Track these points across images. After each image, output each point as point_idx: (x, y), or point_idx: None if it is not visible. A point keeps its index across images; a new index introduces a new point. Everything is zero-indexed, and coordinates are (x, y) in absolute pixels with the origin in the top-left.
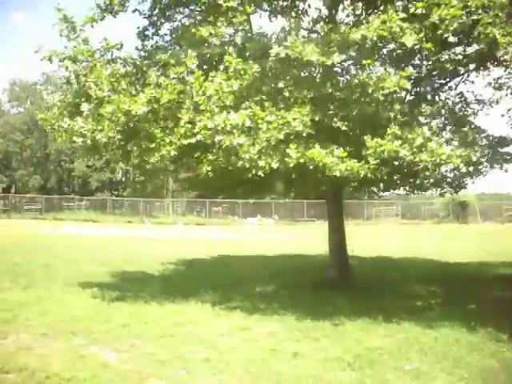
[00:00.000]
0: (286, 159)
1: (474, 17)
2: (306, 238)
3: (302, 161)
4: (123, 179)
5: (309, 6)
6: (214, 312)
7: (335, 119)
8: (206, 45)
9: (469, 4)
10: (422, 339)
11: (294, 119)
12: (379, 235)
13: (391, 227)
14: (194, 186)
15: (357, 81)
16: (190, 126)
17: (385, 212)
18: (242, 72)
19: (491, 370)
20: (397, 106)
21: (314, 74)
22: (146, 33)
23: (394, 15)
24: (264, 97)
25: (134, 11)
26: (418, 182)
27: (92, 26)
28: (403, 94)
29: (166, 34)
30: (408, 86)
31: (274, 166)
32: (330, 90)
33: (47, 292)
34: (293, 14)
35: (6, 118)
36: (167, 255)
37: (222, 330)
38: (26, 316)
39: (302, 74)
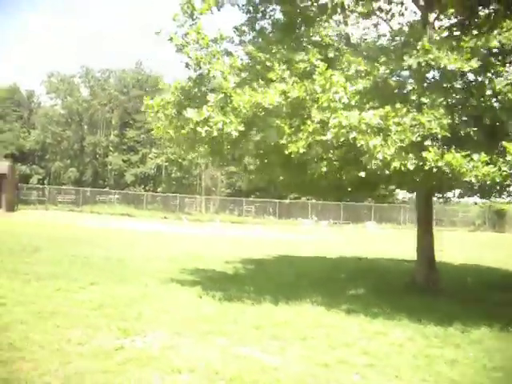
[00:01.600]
0: (420, 162)
1: None
2: (353, 239)
3: (439, 164)
4: (156, 174)
5: (405, 8)
6: (337, 315)
7: (467, 124)
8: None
9: None
10: None
11: (429, 121)
12: None
13: None
14: (300, 187)
15: (491, 90)
16: (319, 124)
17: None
18: (364, 73)
19: None
20: None
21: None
22: (244, 28)
23: None
24: (391, 99)
25: (233, 5)
26: None
27: (212, 12)
28: None
29: (264, 30)
30: None
31: (411, 167)
32: (462, 96)
33: (147, 288)
34: (384, 16)
35: (44, 110)
36: (226, 253)
37: (358, 334)
38: (149, 313)
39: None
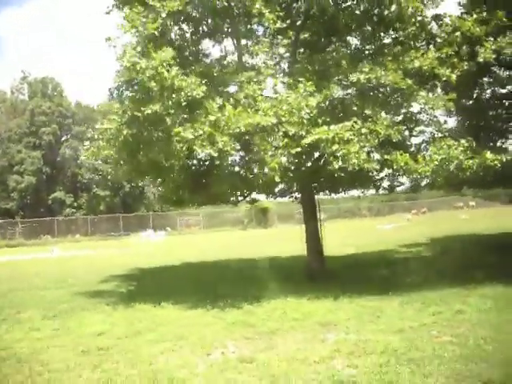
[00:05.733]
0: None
1: None
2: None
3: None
4: None
5: None
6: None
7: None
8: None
9: None
10: None
11: (384, 127)
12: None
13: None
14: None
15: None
16: (292, 138)
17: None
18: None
19: None
20: None
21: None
22: None
23: None
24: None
25: None
26: None
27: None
28: None
29: None
30: None
31: (377, 167)
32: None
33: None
34: None
35: None
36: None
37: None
38: None
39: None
